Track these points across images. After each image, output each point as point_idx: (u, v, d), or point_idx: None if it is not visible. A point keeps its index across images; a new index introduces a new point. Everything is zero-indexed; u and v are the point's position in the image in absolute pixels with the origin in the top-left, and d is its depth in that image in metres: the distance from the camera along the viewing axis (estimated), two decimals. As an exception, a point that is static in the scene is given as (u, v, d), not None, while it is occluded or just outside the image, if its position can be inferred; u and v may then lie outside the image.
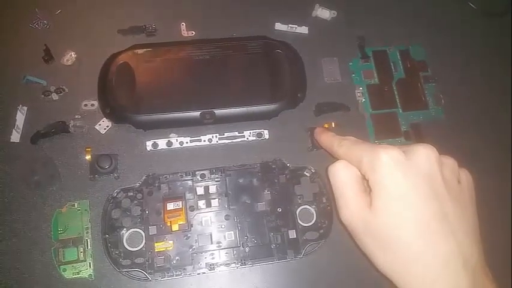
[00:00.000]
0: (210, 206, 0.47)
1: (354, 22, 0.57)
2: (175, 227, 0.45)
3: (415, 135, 0.52)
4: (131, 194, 0.46)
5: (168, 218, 0.45)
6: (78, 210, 0.46)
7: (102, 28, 0.55)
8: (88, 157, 0.48)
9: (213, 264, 0.45)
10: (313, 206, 0.48)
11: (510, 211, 0.50)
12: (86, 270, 0.44)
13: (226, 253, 0.45)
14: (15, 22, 0.54)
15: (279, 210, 0.47)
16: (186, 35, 0.55)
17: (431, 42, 0.57)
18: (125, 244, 0.44)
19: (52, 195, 0.47)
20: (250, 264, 0.45)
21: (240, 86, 0.51)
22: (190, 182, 0.47)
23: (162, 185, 0.47)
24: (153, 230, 0.45)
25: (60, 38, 0.53)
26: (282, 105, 0.50)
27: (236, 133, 0.50)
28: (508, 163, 0.52)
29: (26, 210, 0.46)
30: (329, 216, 0.47)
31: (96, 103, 0.50)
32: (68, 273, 0.44)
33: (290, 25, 0.56)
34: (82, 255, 0.44)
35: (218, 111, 0.49)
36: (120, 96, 0.49)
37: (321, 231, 0.47)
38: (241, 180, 0.48)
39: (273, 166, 0.49)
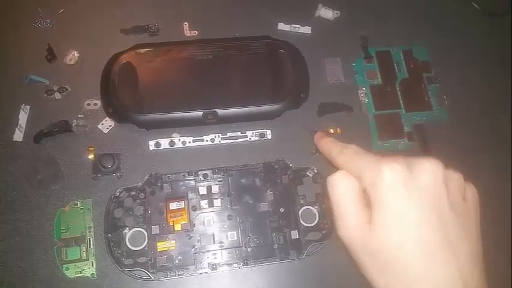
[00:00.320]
0: (213, 206, 0.47)
1: (357, 22, 0.57)
2: (177, 227, 0.45)
3: (418, 136, 0.52)
4: (134, 193, 0.46)
5: (170, 217, 0.46)
6: (81, 209, 0.46)
7: (105, 27, 0.55)
8: (91, 156, 0.48)
9: (215, 264, 0.45)
10: (316, 207, 0.48)
11: (511, 211, 0.50)
12: (88, 270, 0.44)
13: (228, 253, 0.45)
14: (18, 21, 0.54)
15: (282, 210, 0.47)
16: (189, 35, 0.55)
17: (434, 42, 0.57)
18: (128, 243, 0.45)
19: (55, 194, 0.47)
20: (252, 264, 0.45)
21: (242, 86, 0.51)
22: (192, 182, 0.47)
23: (164, 184, 0.47)
24: (155, 229, 0.45)
25: (63, 37, 0.53)
26: (285, 106, 0.50)
27: (239, 133, 0.50)
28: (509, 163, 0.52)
29: (28, 209, 0.46)
30: (331, 216, 0.47)
31: (99, 102, 0.50)
32: (71, 272, 0.44)
33: (293, 25, 0.56)
34: (85, 255, 0.45)
35: (221, 111, 0.49)
36: (123, 95, 0.49)
37: (324, 231, 0.47)
38: (243, 181, 0.48)
39: (276, 166, 0.49)
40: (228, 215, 0.47)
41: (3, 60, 0.52)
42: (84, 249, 0.45)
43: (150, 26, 0.54)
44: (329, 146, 0.30)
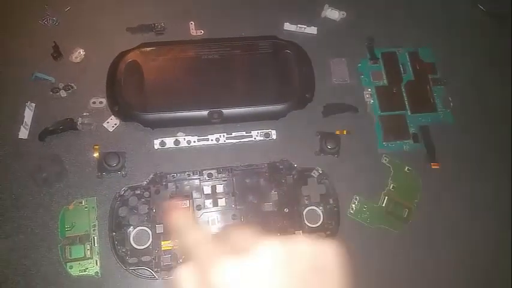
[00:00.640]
0: (217, 206, 0.47)
1: (363, 23, 0.57)
2: (182, 226, 0.45)
3: (423, 137, 0.52)
4: (138, 192, 0.46)
5: (175, 216, 0.45)
6: (86, 207, 0.46)
7: (111, 26, 0.55)
8: (96, 155, 0.48)
9: (219, 264, 0.44)
10: (320, 207, 0.47)
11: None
12: (92, 268, 0.44)
13: (232, 253, 0.45)
14: (25, 18, 0.54)
15: (286, 210, 0.47)
16: (195, 34, 0.55)
17: (440, 44, 0.57)
18: (132, 242, 0.44)
19: (59, 192, 0.47)
20: (256, 264, 0.45)
21: (248, 85, 0.51)
22: (197, 181, 0.47)
23: (169, 183, 0.47)
24: (160, 228, 0.45)
25: (69, 35, 0.53)
26: (290, 106, 0.50)
27: (244, 133, 0.50)
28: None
29: (33, 207, 0.46)
30: (336, 217, 0.47)
31: (104, 101, 0.50)
32: (75, 270, 0.44)
33: (299, 25, 0.56)
34: (89, 253, 0.45)
35: (226, 111, 0.49)
36: (129, 94, 0.49)
37: (328, 232, 0.47)
38: (248, 180, 0.48)
39: (281, 166, 0.49)
40: (233, 215, 0.46)
41: (9, 57, 0.52)
42: (89, 248, 0.45)
43: (156, 25, 0.54)
44: (177, 224, 0.24)
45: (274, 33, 0.54)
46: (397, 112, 0.53)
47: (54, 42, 0.52)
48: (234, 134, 0.50)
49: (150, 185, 0.47)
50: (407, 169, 0.50)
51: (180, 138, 0.49)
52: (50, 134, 0.48)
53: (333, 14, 0.57)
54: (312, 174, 0.49)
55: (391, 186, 0.49)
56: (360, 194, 0.49)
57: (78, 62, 0.52)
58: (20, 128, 0.49)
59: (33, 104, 0.50)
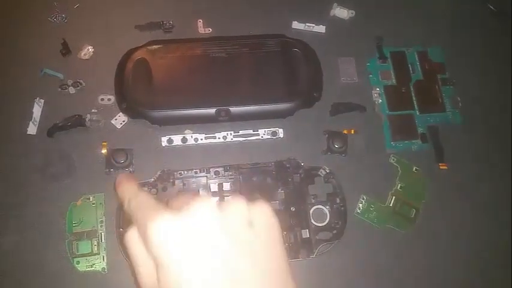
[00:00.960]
0: (224, 203, 0.47)
1: (371, 22, 0.57)
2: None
3: (432, 137, 0.52)
4: (146, 189, 0.46)
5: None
6: (93, 203, 0.46)
7: (119, 23, 0.55)
8: (104, 151, 0.48)
9: (225, 262, 0.44)
10: (327, 206, 0.47)
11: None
12: (99, 264, 0.44)
13: (238, 251, 0.45)
14: (35, 15, 0.55)
15: (293, 209, 0.47)
16: (203, 32, 0.55)
17: (449, 44, 0.56)
18: (139, 239, 0.44)
19: (67, 188, 0.47)
20: (262, 262, 0.45)
21: (256, 84, 0.51)
22: (204, 179, 0.47)
23: (176, 181, 0.47)
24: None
25: (78, 32, 0.54)
26: (298, 104, 0.50)
27: (251, 131, 0.50)
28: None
29: (41, 202, 0.46)
30: (343, 216, 0.47)
31: (112, 98, 0.51)
32: (82, 266, 0.44)
33: (307, 24, 0.56)
34: (96, 249, 0.45)
35: (233, 109, 0.49)
36: (137, 91, 0.49)
37: (334, 231, 0.46)
38: (255, 179, 0.48)
39: (287, 165, 0.49)
40: (239, 213, 0.46)
41: (19, 53, 0.53)
42: (96, 244, 0.45)
43: (164, 22, 0.54)
44: (123, 193, 0.27)
45: (282, 32, 0.54)
46: (405, 112, 0.53)
47: (63, 39, 0.52)
48: (241, 132, 0.50)
49: (158, 182, 0.47)
50: (415, 169, 0.50)
51: (188, 136, 0.50)
52: (58, 130, 0.49)
53: (341, 12, 0.56)
54: (319, 173, 0.49)
55: (399, 186, 0.49)
56: (367, 194, 0.48)
57: (86, 59, 0.53)
58: (28, 124, 0.49)
59: (42, 100, 0.50)
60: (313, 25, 0.56)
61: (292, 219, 0.46)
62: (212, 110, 0.49)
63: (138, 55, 0.51)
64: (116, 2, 0.56)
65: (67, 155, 0.48)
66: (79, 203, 0.46)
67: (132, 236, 0.24)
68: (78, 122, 0.49)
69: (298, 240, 0.46)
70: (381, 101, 0.53)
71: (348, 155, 0.50)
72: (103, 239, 0.45)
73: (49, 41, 0.53)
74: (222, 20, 0.56)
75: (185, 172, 0.47)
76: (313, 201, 0.48)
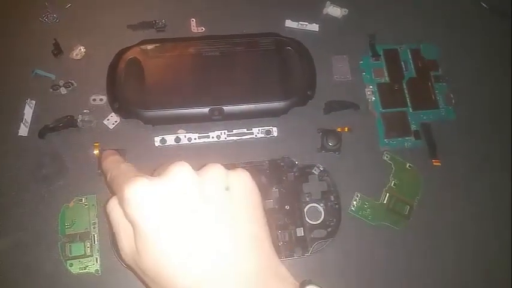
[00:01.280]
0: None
1: (364, 20, 0.57)
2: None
3: (425, 134, 0.52)
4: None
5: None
6: (86, 205, 0.46)
7: (111, 23, 0.54)
8: (96, 152, 0.47)
9: (220, 261, 0.44)
10: (321, 204, 0.47)
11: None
12: (92, 266, 0.44)
13: (233, 250, 0.45)
14: (26, 15, 0.54)
15: (287, 207, 0.47)
16: (196, 31, 0.55)
17: (442, 41, 0.57)
18: (132, 239, 0.44)
19: (59, 189, 0.47)
20: (257, 261, 0.44)
21: (249, 82, 0.51)
22: (198, 179, 0.47)
23: (170, 181, 0.47)
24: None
25: (70, 32, 0.53)
26: (292, 103, 0.50)
27: (245, 130, 0.50)
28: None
29: (33, 204, 0.46)
30: (337, 214, 0.47)
31: (104, 98, 0.50)
32: (75, 268, 0.44)
33: (300, 22, 0.56)
34: (89, 250, 0.44)
35: (227, 108, 0.49)
36: (129, 91, 0.49)
37: (329, 229, 0.46)
38: (249, 178, 0.48)
39: (281, 163, 0.48)
40: (234, 212, 0.46)
41: (10, 54, 0.52)
42: (89, 245, 0.45)
43: (157, 21, 0.54)
44: (106, 167, 0.27)
45: (275, 30, 0.54)
46: (398, 109, 0.53)
47: (54, 39, 0.52)
48: (235, 131, 0.50)
49: (151, 182, 0.46)
50: (409, 166, 0.50)
51: (181, 136, 0.49)
52: (50, 131, 0.48)
53: (334, 11, 0.56)
54: (313, 171, 0.49)
55: (393, 183, 0.49)
56: (361, 191, 0.48)
57: (78, 59, 0.52)
58: (20, 125, 0.48)
59: (33, 101, 0.50)
60: (307, 23, 0.56)
61: (287, 217, 0.46)
62: (205, 109, 0.49)
63: (130, 55, 0.50)
64: (108, 1, 0.56)
65: (59, 156, 0.48)
66: (71, 204, 0.46)
67: (112, 204, 0.24)
68: (70, 122, 0.48)
69: (292, 239, 0.46)
70: (374, 98, 0.53)
71: (342, 153, 0.50)
72: (96, 240, 0.45)
73: (40, 41, 0.52)
74: (215, 19, 0.55)
75: (179, 172, 0.47)
76: (307, 199, 0.47)
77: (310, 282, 0.22)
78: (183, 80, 0.50)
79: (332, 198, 0.47)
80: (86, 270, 0.44)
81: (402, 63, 0.55)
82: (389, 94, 0.53)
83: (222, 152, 0.49)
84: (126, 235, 0.23)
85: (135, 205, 0.22)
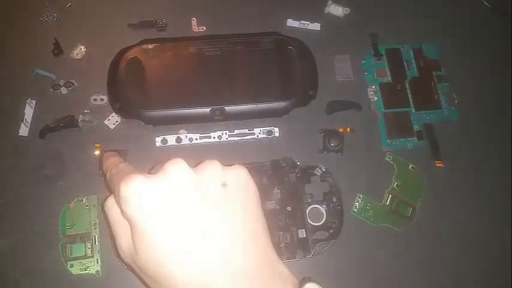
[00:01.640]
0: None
1: (366, 19, 0.57)
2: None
3: (428, 135, 0.51)
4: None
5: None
6: (86, 205, 0.46)
7: (112, 22, 0.54)
8: (97, 152, 0.47)
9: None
10: (323, 206, 0.47)
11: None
12: (93, 267, 0.44)
13: (235, 251, 0.45)
14: (26, 15, 0.54)
15: (289, 209, 0.46)
16: (197, 31, 0.54)
17: (444, 41, 0.56)
18: (133, 241, 0.44)
19: (60, 190, 0.46)
20: (259, 263, 0.44)
21: (250, 82, 0.50)
22: (199, 179, 0.47)
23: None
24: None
25: (70, 31, 0.53)
26: (293, 103, 0.50)
27: (246, 130, 0.50)
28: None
29: (34, 205, 0.46)
30: (339, 216, 0.47)
31: (105, 98, 0.50)
32: (76, 269, 0.44)
33: (302, 21, 0.55)
34: (90, 251, 0.44)
35: (228, 108, 0.49)
36: (130, 91, 0.49)
37: (331, 231, 0.46)
38: (250, 178, 0.47)
39: (283, 164, 0.48)
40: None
41: (10, 54, 0.52)
42: (89, 246, 0.44)
43: (158, 21, 0.54)
44: (106, 167, 0.27)
45: (277, 30, 0.53)
46: (401, 109, 0.52)
47: (55, 38, 0.51)
48: (236, 132, 0.50)
49: (152, 182, 0.46)
50: (412, 167, 0.50)
51: (182, 136, 0.49)
52: (50, 131, 0.48)
53: (336, 10, 0.56)
54: (315, 172, 0.48)
55: (395, 185, 0.49)
56: (364, 192, 0.48)
57: (79, 59, 0.52)
58: (20, 125, 0.48)
59: (34, 101, 0.50)
60: (308, 23, 0.55)
61: (288, 219, 0.46)
62: (207, 110, 0.48)
63: (131, 54, 0.50)
64: (109, 0, 0.55)
65: (59, 157, 0.48)
66: (72, 205, 0.46)
67: (110, 202, 0.24)
68: (70, 122, 0.48)
69: (294, 240, 0.45)
70: (376, 98, 0.53)
71: (344, 154, 0.50)
72: (97, 241, 0.45)
73: (41, 41, 0.52)
74: (216, 18, 0.55)
75: (180, 172, 0.47)
76: (309, 200, 0.47)
77: (309, 280, 0.22)
78: (184, 79, 0.50)
79: (334, 199, 0.47)
80: (86, 271, 0.44)
81: (404, 62, 0.54)
82: (391, 94, 0.53)
83: (223, 153, 0.49)
84: (124, 233, 0.23)
85: (132, 202, 0.21)
